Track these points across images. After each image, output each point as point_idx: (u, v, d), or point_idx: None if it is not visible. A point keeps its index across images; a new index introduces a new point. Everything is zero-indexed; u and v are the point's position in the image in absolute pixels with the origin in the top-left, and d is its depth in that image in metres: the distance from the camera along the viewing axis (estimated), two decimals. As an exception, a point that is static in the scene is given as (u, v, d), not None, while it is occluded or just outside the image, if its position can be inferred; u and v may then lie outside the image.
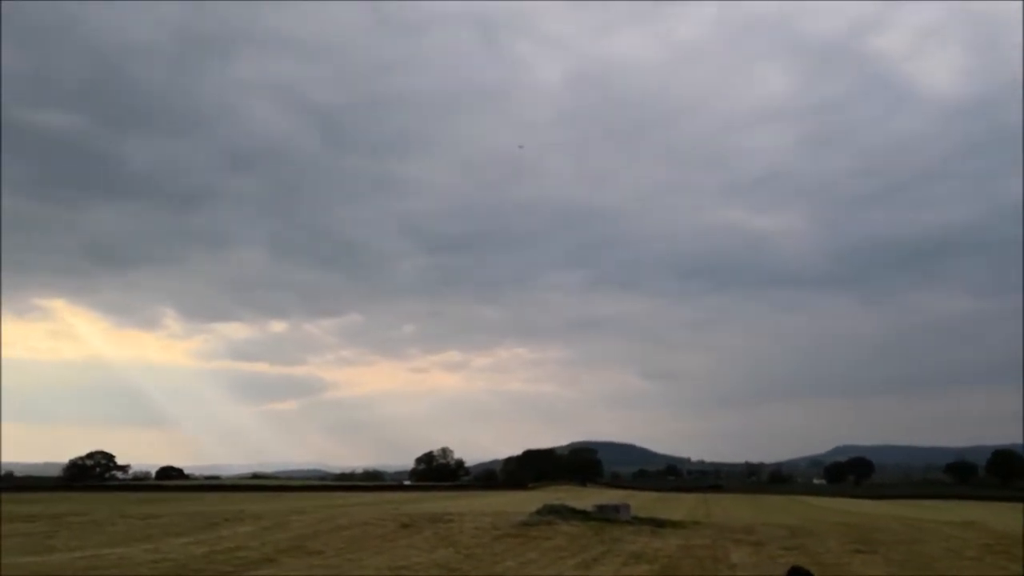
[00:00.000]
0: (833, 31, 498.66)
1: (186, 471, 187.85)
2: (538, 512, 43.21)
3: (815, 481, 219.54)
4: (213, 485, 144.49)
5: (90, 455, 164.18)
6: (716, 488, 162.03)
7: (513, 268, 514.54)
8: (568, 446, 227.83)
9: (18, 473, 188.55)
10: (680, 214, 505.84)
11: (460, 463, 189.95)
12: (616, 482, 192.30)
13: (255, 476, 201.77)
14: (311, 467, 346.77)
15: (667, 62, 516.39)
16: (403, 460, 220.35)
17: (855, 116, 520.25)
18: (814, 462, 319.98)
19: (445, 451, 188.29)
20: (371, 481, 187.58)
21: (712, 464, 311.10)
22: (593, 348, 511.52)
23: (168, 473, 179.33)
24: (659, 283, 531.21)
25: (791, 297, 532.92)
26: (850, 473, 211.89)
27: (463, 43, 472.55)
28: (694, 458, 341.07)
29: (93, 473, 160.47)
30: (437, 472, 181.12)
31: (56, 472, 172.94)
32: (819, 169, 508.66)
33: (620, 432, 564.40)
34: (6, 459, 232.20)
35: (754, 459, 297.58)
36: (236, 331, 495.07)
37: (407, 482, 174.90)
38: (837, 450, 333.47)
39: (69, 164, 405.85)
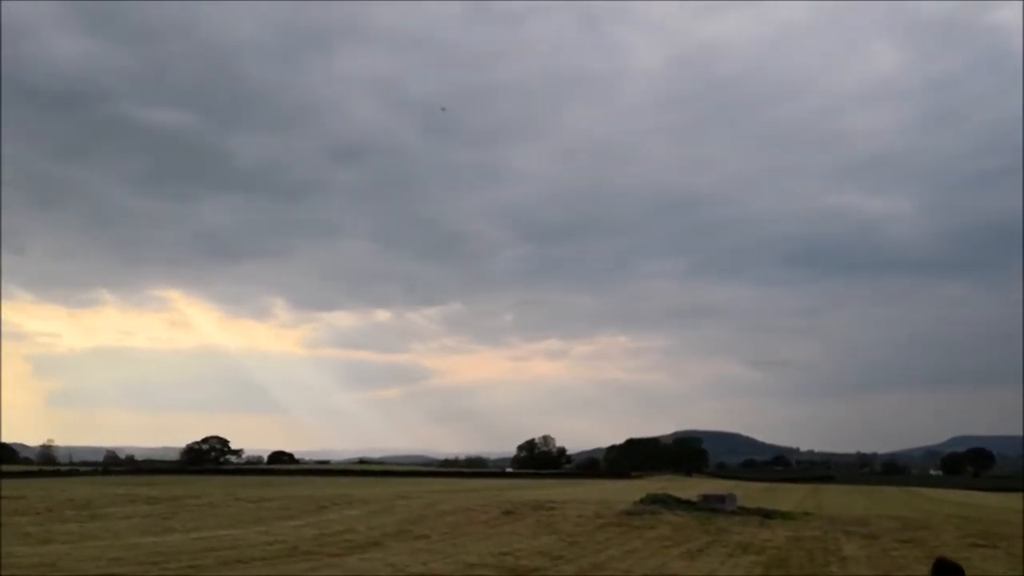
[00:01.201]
0: (946, 6, 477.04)
1: (296, 456, 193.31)
2: (642, 501, 42.83)
3: (931, 472, 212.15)
4: (322, 470, 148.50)
5: (206, 440, 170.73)
6: (827, 479, 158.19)
7: (614, 255, 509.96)
8: (672, 435, 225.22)
9: (139, 457, 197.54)
10: (786, 198, 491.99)
11: (562, 451, 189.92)
12: (722, 472, 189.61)
13: (361, 461, 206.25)
14: (415, 453, 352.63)
15: (771, 42, 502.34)
16: (505, 447, 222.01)
17: (971, 93, 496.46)
18: (930, 453, 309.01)
19: (547, 439, 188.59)
20: (474, 468, 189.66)
21: (822, 454, 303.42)
22: (696, 336, 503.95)
23: (279, 458, 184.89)
24: (764, 269, 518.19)
25: (904, 282, 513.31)
26: (969, 464, 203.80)
27: (563, 30, 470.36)
28: (803, 448, 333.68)
29: (209, 457, 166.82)
30: (539, 460, 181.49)
31: (174, 456, 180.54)
32: (933, 149, 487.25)
33: (726, 421, 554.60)
34: (128, 444, 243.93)
35: (866, 449, 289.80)
36: (342, 320, 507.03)
37: (509, 469, 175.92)
38: (954, 440, 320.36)
39: (182, 160, 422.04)
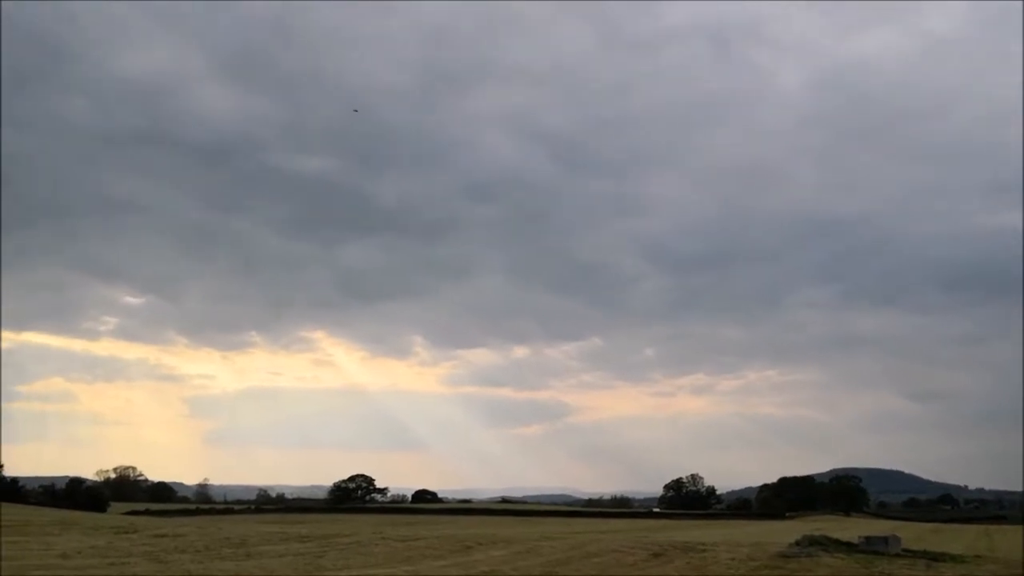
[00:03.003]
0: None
1: (440, 494, 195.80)
2: (798, 543, 40.91)
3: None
4: (465, 509, 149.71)
5: (352, 478, 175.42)
6: (999, 519, 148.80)
7: (759, 285, 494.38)
8: (828, 473, 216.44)
9: (289, 495, 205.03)
10: (942, 218, 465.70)
11: (711, 490, 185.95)
12: (883, 512, 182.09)
13: (504, 500, 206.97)
14: (558, 492, 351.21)
15: (918, 56, 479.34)
16: (651, 486, 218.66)
17: None
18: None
19: (695, 477, 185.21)
20: (619, 507, 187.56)
21: (993, 492, 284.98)
22: (851, 368, 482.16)
23: (423, 496, 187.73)
24: (922, 295, 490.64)
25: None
26: None
27: (696, 56, 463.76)
28: (972, 485, 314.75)
29: (355, 495, 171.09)
30: (687, 499, 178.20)
31: (322, 494, 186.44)
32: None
33: (886, 458, 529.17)
34: (279, 482, 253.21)
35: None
36: (481, 357, 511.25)
37: (656, 509, 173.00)
38: None
39: (324, 204, 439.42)
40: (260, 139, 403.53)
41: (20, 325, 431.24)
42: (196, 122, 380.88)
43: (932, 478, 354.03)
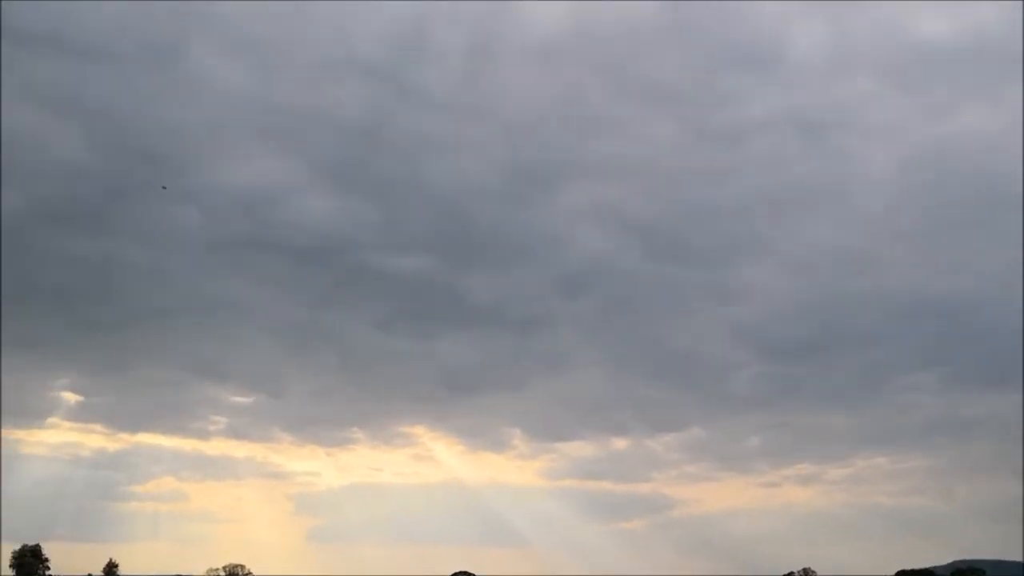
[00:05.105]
0: None
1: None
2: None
3: None
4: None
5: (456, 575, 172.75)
6: None
7: (862, 370, 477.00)
8: (948, 565, 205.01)
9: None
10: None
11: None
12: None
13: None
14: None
15: (1015, 134, 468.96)
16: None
17: None
18: None
19: (807, 571, 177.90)
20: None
21: None
22: (966, 452, 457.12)
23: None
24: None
25: None
26: None
27: (783, 145, 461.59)
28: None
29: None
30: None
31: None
32: None
33: (1012, 548, 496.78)
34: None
35: None
36: (579, 450, 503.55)
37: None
38: None
39: (421, 302, 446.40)
40: (359, 241, 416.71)
41: (134, 427, 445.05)
42: (299, 226, 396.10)
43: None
